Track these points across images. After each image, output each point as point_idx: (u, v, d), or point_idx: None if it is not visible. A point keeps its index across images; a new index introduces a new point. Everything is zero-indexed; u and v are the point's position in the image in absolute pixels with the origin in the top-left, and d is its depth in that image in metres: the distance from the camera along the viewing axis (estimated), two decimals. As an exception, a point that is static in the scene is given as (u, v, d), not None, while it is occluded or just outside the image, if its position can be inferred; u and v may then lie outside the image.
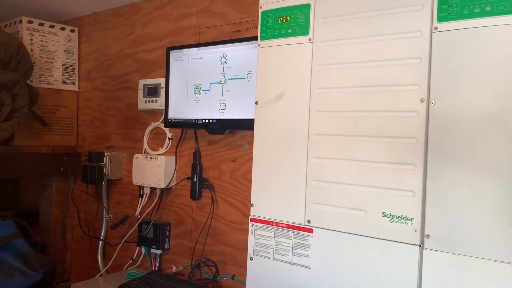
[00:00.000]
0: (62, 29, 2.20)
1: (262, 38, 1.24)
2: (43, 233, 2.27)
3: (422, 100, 0.97)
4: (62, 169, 2.17)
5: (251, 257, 1.25)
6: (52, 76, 2.17)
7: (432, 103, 0.96)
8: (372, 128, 1.03)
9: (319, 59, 1.13)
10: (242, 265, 1.55)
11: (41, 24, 2.12)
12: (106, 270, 2.04)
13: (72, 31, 2.24)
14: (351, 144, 1.06)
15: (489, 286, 0.88)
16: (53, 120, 2.17)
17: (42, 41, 2.13)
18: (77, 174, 2.15)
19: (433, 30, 0.96)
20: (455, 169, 0.92)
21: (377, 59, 1.03)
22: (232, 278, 1.63)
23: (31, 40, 2.08)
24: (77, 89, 2.28)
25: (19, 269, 1.96)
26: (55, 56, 2.18)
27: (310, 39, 1.14)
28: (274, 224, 1.20)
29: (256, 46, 1.26)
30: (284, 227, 1.18)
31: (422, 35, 0.97)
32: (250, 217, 1.25)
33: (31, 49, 2.07)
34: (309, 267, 1.13)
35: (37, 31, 2.10)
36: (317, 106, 1.12)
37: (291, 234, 1.16)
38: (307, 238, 1.13)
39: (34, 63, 2.04)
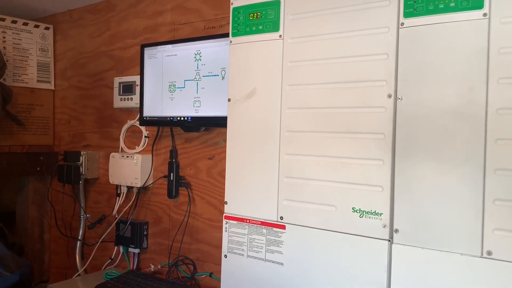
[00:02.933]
0: (36, 26, 2.16)
1: (234, 35, 1.23)
2: (20, 234, 2.24)
3: (389, 96, 0.97)
4: (38, 169, 2.15)
5: (225, 255, 1.25)
6: (27, 74, 2.14)
7: (399, 98, 0.96)
8: (341, 124, 1.03)
9: (289, 56, 1.12)
10: (220, 262, 1.54)
11: (14, 22, 2.08)
12: (84, 270, 2.02)
13: (46, 28, 2.21)
14: (322, 141, 1.07)
15: (455, 278, 0.89)
16: (29, 120, 2.13)
17: (16, 39, 2.09)
18: (53, 174, 2.12)
19: (400, 26, 0.97)
20: (422, 164, 0.93)
21: (346, 55, 1.03)
22: (210, 276, 1.63)
23: (4, 38, 2.04)
24: (53, 88, 2.24)
25: (-5, 271, 1.93)
26: (29, 54, 2.14)
27: (280, 36, 1.14)
28: (247, 221, 1.20)
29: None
30: (257, 224, 1.18)
31: (389, 31, 0.98)
32: (224, 214, 1.24)
33: (4, 47, 2.03)
34: (282, 264, 1.13)
35: (10, 29, 2.06)
36: (288, 103, 1.12)
37: (264, 231, 1.16)
38: (279, 234, 1.13)
39: (7, 61, 2.00)
